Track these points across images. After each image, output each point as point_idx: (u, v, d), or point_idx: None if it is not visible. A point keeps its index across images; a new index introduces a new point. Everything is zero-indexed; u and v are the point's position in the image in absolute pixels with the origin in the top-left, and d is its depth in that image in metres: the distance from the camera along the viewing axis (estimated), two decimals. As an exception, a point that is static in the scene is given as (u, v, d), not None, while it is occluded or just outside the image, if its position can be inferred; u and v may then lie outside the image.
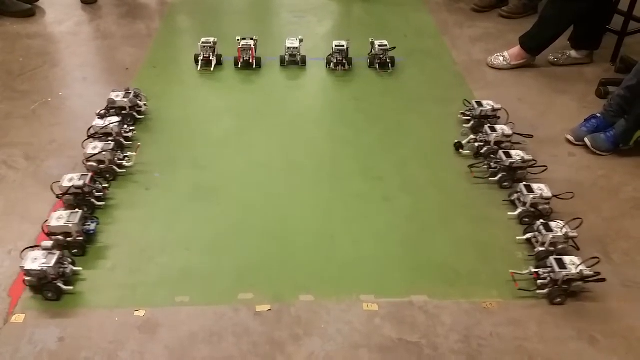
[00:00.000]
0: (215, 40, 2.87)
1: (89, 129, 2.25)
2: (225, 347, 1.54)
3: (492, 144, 2.23)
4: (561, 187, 2.15)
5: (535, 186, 1.98)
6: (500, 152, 2.14)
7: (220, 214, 2.00)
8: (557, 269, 1.66)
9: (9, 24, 3.33)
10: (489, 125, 2.28)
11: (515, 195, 2.02)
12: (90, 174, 1.98)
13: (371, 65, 2.92)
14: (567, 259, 1.69)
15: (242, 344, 1.55)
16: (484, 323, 1.62)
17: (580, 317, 1.65)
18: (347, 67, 2.87)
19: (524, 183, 2.01)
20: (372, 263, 1.81)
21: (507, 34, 3.33)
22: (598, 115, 2.42)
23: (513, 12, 3.57)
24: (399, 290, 1.71)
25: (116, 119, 2.27)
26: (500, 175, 2.11)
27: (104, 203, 2.00)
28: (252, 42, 2.84)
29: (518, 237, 1.89)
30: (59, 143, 2.33)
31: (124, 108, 2.41)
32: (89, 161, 2.09)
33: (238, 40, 2.84)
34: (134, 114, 2.45)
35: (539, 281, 1.71)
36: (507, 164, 2.08)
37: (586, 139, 2.35)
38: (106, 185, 2.05)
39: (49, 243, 1.71)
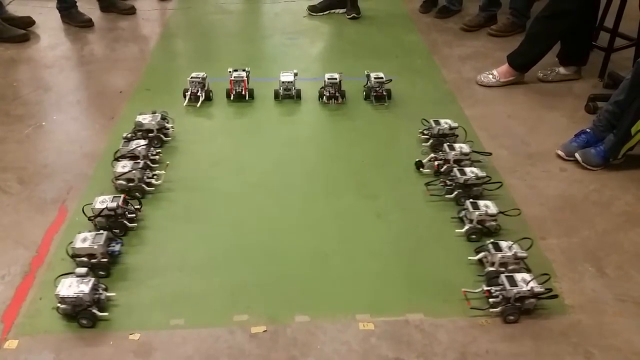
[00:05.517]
0: (205, 75, 2.78)
1: (116, 152, 2.26)
2: (221, 370, 1.53)
3: (451, 162, 2.24)
4: (554, 203, 2.17)
5: (481, 203, 1.97)
6: (455, 170, 2.14)
7: (214, 235, 1.99)
8: (508, 286, 1.66)
9: (3, 49, 3.36)
10: (447, 144, 2.29)
11: (463, 213, 2.02)
12: (122, 195, 1.99)
13: (367, 97, 2.83)
14: (518, 276, 1.69)
15: (237, 366, 1.54)
16: (480, 340, 1.62)
17: (575, 332, 1.65)
18: (340, 100, 2.77)
19: (471, 200, 2.01)
20: (367, 281, 1.81)
21: (496, 52, 3.39)
22: (588, 130, 2.45)
23: (502, 31, 3.64)
24: (394, 309, 1.71)
25: (143, 142, 2.28)
26: (456, 192, 2.11)
27: (136, 225, 2.00)
28: (244, 74, 2.76)
29: (469, 257, 1.86)
30: (52, 167, 2.33)
31: (151, 130, 2.42)
32: (119, 179, 2.10)
33: (230, 72, 2.75)
34: (161, 136, 2.45)
35: (491, 299, 1.70)
36: (462, 181, 2.09)
37: (577, 154, 2.38)
38: (138, 206, 2.04)
39: (82, 270, 1.68)
